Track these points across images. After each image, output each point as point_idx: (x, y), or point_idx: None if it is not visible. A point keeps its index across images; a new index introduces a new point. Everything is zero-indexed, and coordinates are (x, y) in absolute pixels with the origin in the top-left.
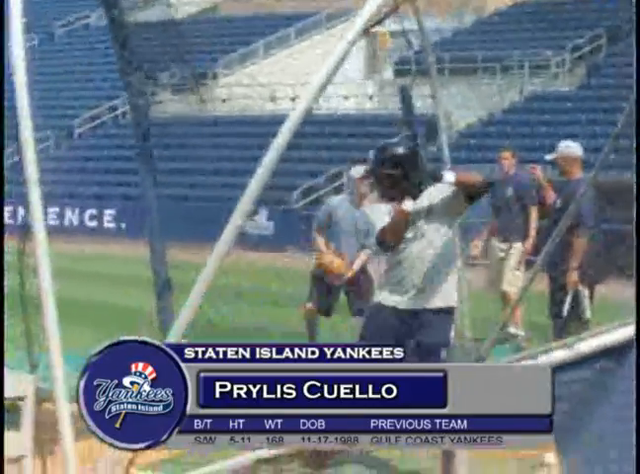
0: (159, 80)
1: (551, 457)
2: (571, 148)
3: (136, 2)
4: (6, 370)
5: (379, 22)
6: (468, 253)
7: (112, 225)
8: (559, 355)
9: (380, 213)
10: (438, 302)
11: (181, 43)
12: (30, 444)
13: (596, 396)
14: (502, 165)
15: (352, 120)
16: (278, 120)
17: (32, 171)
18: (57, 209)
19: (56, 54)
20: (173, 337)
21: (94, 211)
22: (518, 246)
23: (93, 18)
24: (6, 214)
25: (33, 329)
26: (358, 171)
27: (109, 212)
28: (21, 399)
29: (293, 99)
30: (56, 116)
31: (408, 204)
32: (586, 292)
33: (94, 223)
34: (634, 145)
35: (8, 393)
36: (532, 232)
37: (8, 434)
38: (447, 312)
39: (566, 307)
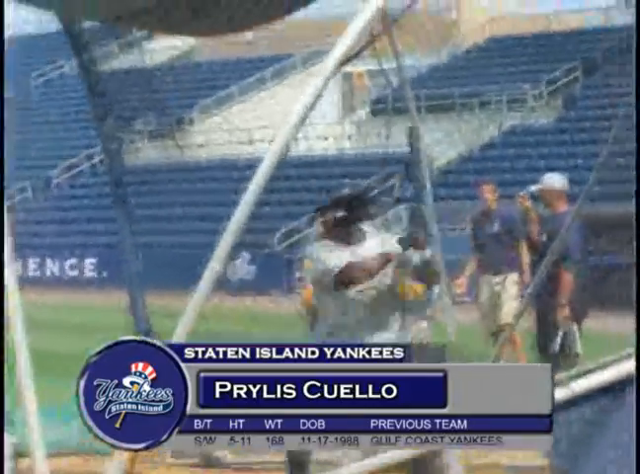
0: (134, 126)
1: None
2: (555, 180)
3: (110, 50)
4: None
5: (355, 56)
6: (453, 291)
7: (93, 274)
8: (555, 394)
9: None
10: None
11: (154, 90)
12: None
13: (595, 436)
14: (484, 199)
15: (330, 161)
16: (256, 164)
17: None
18: (38, 260)
19: (33, 105)
20: None
21: (74, 261)
22: (514, 276)
23: (67, 68)
24: None
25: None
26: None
27: (89, 261)
28: None
29: (272, 141)
30: (33, 166)
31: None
32: (575, 327)
33: (75, 272)
34: (635, 155)
35: None
36: (525, 265)
37: None
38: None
39: (557, 343)
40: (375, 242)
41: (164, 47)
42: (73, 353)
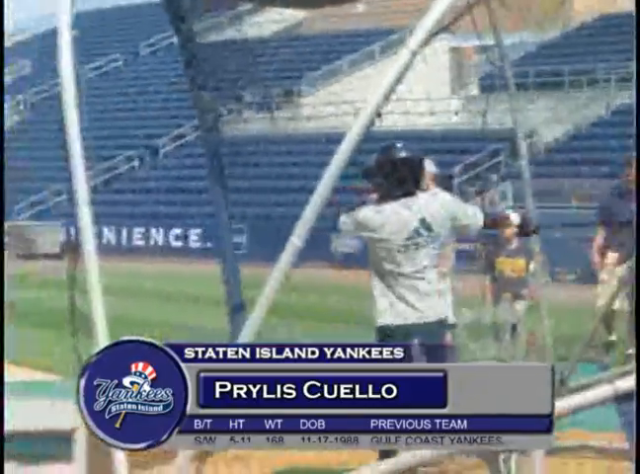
0: (237, 98)
1: None
2: None
3: (218, 22)
4: (57, 400)
5: (447, 28)
6: (550, 269)
7: (198, 244)
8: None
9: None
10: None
11: (255, 62)
12: None
13: None
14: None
15: (437, 137)
16: (363, 137)
17: (82, 190)
18: (143, 229)
19: (142, 74)
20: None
21: (179, 231)
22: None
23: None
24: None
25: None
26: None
27: (194, 232)
28: (74, 430)
29: (379, 115)
30: (141, 135)
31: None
32: None
33: (180, 243)
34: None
35: (58, 424)
36: None
37: (64, 468)
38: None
39: None
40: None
41: (272, 20)
42: (166, 321)
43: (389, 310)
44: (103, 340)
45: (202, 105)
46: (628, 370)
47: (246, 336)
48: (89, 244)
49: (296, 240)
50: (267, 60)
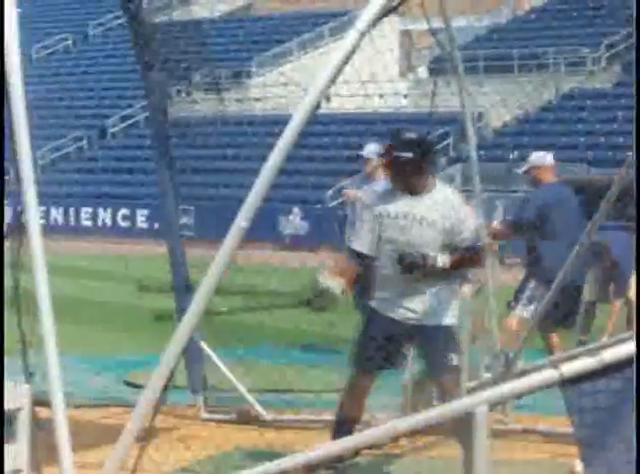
0: (186, 79)
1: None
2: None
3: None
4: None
5: (394, 10)
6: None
7: (144, 225)
8: (583, 363)
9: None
10: (446, 320)
11: (203, 43)
12: (26, 457)
13: (622, 408)
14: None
15: (386, 119)
16: (311, 119)
17: (27, 170)
18: (91, 209)
19: (91, 54)
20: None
21: (126, 212)
22: None
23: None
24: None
25: (27, 335)
26: (369, 149)
27: (141, 213)
28: (17, 410)
29: (327, 97)
30: (89, 115)
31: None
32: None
33: (127, 223)
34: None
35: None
36: None
37: (6, 448)
38: (450, 329)
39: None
40: (444, 196)
41: (222, 1)
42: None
43: None
44: (47, 320)
45: (151, 85)
46: (574, 355)
47: (191, 316)
48: (34, 223)
49: (243, 221)
50: (216, 41)
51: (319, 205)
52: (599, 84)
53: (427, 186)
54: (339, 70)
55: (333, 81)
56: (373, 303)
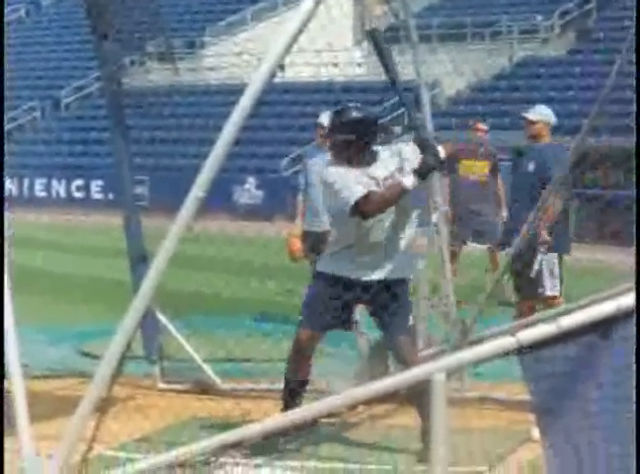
0: (140, 49)
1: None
2: (547, 114)
3: None
4: None
5: None
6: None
7: (99, 196)
8: (540, 330)
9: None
10: (403, 273)
11: (157, 13)
12: None
13: (580, 374)
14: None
15: (339, 88)
16: (265, 88)
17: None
18: (45, 180)
19: (44, 24)
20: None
21: (81, 182)
22: None
23: None
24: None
25: None
26: (323, 118)
27: (96, 183)
28: None
29: (282, 66)
30: (43, 86)
31: (408, 182)
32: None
33: (81, 194)
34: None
35: None
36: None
37: None
38: (406, 283)
39: (535, 267)
40: (388, 156)
41: None
42: (66, 273)
43: None
44: (5, 291)
45: (105, 55)
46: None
47: (147, 287)
48: None
49: (198, 191)
50: (170, 11)
51: (274, 175)
52: (552, 51)
53: (369, 160)
54: (294, 39)
55: (288, 50)
56: (324, 264)
